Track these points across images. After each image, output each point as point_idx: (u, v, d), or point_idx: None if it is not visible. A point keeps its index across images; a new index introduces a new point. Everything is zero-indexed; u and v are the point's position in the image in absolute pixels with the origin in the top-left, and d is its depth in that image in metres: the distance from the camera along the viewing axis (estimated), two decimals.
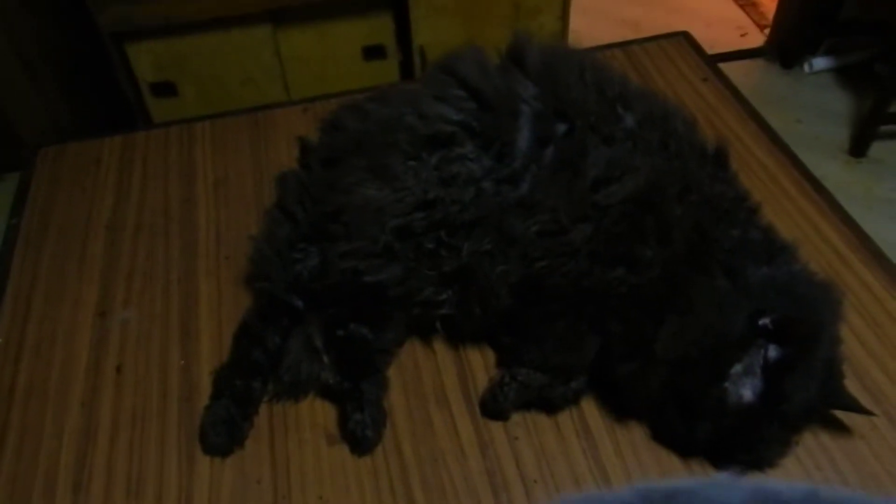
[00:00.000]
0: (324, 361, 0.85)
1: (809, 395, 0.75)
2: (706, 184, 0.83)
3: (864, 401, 0.80)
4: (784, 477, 0.77)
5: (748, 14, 2.69)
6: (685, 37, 1.30)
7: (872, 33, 2.36)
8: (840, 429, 0.80)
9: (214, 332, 0.92)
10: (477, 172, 0.84)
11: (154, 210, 1.08)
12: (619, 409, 0.83)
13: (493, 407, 0.82)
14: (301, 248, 0.90)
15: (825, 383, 0.76)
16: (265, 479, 0.79)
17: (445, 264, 0.84)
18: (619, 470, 0.78)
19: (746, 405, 0.74)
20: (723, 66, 2.41)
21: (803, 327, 0.74)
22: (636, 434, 0.81)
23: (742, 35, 2.61)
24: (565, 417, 0.83)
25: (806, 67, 2.44)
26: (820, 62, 2.43)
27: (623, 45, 1.29)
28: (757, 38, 2.59)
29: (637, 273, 0.78)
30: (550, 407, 0.83)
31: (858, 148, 2.18)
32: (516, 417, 0.83)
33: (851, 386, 0.81)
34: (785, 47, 2.46)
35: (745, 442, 0.76)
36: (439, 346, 0.90)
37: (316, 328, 0.86)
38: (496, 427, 0.82)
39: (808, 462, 0.78)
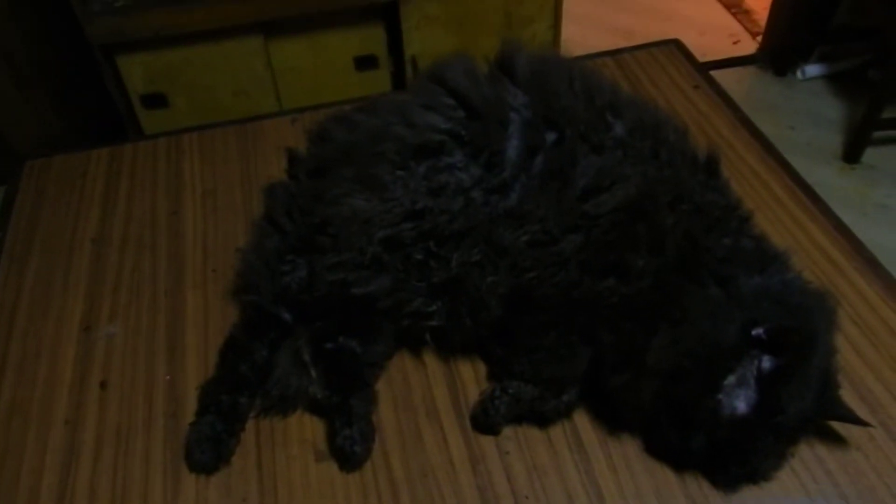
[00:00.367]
0: (312, 375, 0.84)
1: (804, 406, 0.74)
2: (697, 192, 0.82)
3: (861, 412, 0.79)
4: (780, 489, 0.76)
5: (740, 21, 2.69)
6: (676, 44, 1.29)
7: (865, 40, 2.36)
8: (836, 440, 0.79)
9: (201, 346, 0.91)
10: (466, 182, 0.83)
11: (141, 223, 1.07)
12: (612, 421, 0.81)
13: (484, 421, 0.81)
14: (289, 259, 0.89)
15: (820, 394, 0.75)
16: (252, 497, 0.78)
17: (434, 275, 0.83)
18: (612, 484, 0.77)
19: (740, 417, 0.73)
20: (715, 73, 2.42)
21: (797, 337, 0.73)
22: (629, 447, 0.80)
23: (735, 42, 2.62)
24: (557, 431, 0.82)
25: (798, 74, 2.45)
26: (812, 69, 2.44)
27: (614, 53, 1.28)
28: (749, 46, 2.60)
29: (628, 283, 0.77)
30: (542, 420, 0.82)
31: (852, 154, 2.18)
32: (508, 431, 0.82)
33: (847, 396, 0.80)
34: (777, 54, 2.46)
35: (740, 454, 0.75)
36: (429, 358, 0.89)
37: (304, 341, 0.85)
38: (487, 441, 0.81)
39: (803, 474, 0.77)
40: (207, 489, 0.78)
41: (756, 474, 0.76)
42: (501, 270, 0.81)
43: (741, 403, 0.73)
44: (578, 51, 1.52)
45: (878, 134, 2.16)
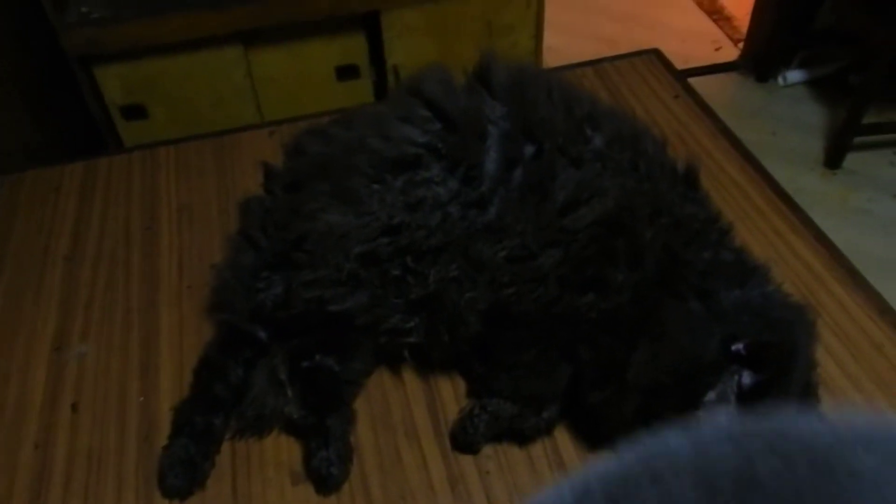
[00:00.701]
0: (288, 394, 0.82)
1: None
2: (677, 205, 0.81)
3: None
4: None
5: (722, 28, 2.71)
6: (656, 54, 1.29)
7: (845, 45, 2.38)
8: None
9: (176, 365, 0.89)
10: (443, 196, 0.82)
11: (115, 238, 1.05)
12: (593, 438, 0.80)
13: (464, 439, 0.80)
14: (264, 276, 0.87)
15: (802, 409, 0.75)
16: None
17: (412, 291, 0.82)
18: None
19: None
20: (698, 80, 2.44)
21: (777, 352, 0.72)
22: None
23: (716, 49, 2.63)
24: (538, 449, 0.81)
25: (780, 80, 2.46)
26: (794, 75, 2.45)
27: (594, 63, 1.28)
28: (731, 52, 2.61)
29: (607, 298, 0.76)
30: (522, 438, 0.80)
31: (833, 159, 2.19)
32: (488, 450, 0.81)
33: (829, 410, 0.79)
34: (759, 60, 2.48)
35: None
36: (408, 376, 0.87)
37: (280, 360, 0.84)
38: (467, 461, 0.80)
39: None
40: None
41: None
42: (480, 286, 0.80)
43: (721, 419, 0.72)
44: (560, 60, 1.51)
45: (858, 139, 2.18)
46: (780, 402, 0.73)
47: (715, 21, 2.74)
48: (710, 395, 0.72)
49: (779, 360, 0.72)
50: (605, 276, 0.77)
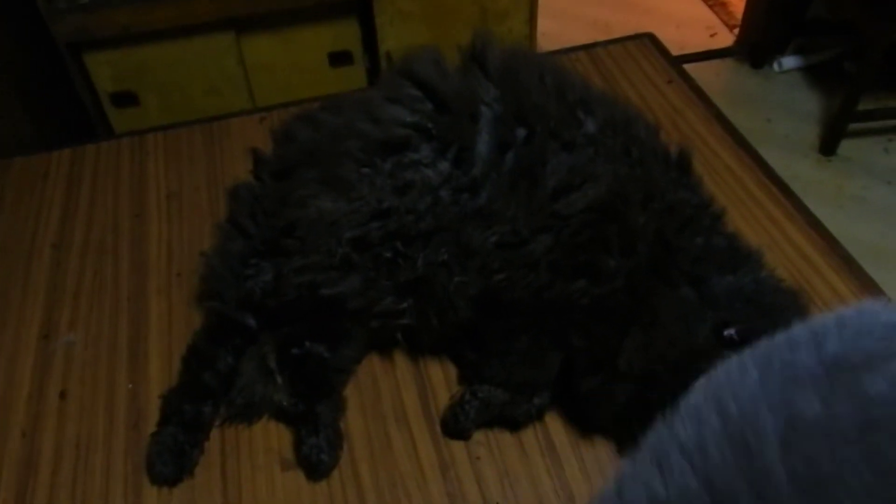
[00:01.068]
0: (278, 382, 0.81)
1: None
2: (669, 190, 0.80)
3: None
4: None
5: (717, 14, 2.69)
6: (650, 38, 1.28)
7: (840, 32, 2.37)
8: None
9: (165, 353, 0.88)
10: (433, 180, 0.81)
11: (103, 226, 1.04)
12: (585, 425, 0.80)
13: (454, 426, 0.79)
14: (253, 263, 0.86)
15: None
16: None
17: (402, 274, 0.81)
18: (584, 489, 0.76)
19: None
20: (693, 66, 2.42)
21: (769, 337, 0.72)
22: (602, 450, 0.79)
23: (712, 35, 2.61)
24: (529, 435, 0.80)
25: (775, 66, 2.45)
26: (789, 61, 2.44)
27: (587, 47, 1.26)
28: (727, 38, 2.59)
29: (599, 284, 0.75)
30: (513, 424, 0.80)
31: (828, 146, 2.19)
32: (479, 436, 0.80)
33: None
34: (754, 47, 2.46)
35: None
36: (399, 362, 0.87)
37: (270, 348, 0.83)
38: (458, 447, 0.79)
39: None
40: (170, 502, 0.76)
41: None
42: (470, 271, 0.79)
43: None
44: (555, 45, 1.50)
45: (853, 126, 2.17)
46: None
47: (710, 7, 2.73)
48: (703, 381, 0.72)
49: None
50: (597, 263, 0.76)
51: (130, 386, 0.86)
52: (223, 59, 1.82)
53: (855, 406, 0.27)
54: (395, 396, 0.84)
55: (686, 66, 1.24)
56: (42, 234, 1.03)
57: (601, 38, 1.31)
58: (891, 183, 2.12)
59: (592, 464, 0.78)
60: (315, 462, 0.76)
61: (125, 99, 1.83)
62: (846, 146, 2.20)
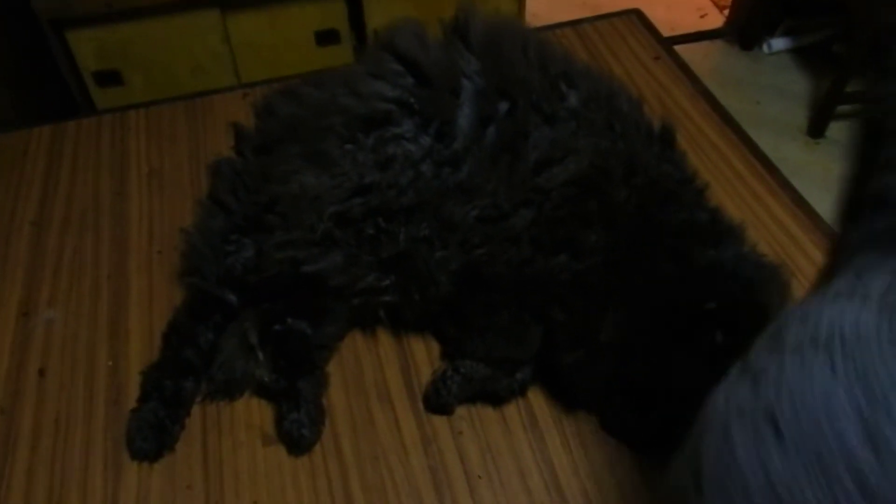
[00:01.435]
0: (259, 358, 0.81)
1: None
2: (652, 165, 0.80)
3: None
4: None
5: None
6: (637, 15, 1.27)
7: (829, 14, 2.36)
8: None
9: (145, 330, 0.87)
10: (415, 154, 0.80)
11: (83, 203, 1.03)
12: (567, 399, 0.80)
13: (437, 401, 0.79)
14: (234, 239, 0.85)
15: None
16: (197, 485, 0.75)
17: (384, 250, 0.80)
18: (565, 462, 0.76)
19: (693, 392, 0.72)
20: (683, 47, 2.41)
21: (749, 311, 0.72)
22: (584, 425, 0.79)
23: (702, 16, 2.60)
24: (511, 410, 0.80)
25: (765, 48, 2.44)
26: (778, 43, 2.43)
27: (574, 23, 1.25)
28: (717, 20, 2.58)
29: (580, 259, 0.75)
30: (496, 399, 0.80)
31: (817, 128, 2.19)
32: (461, 411, 0.80)
33: None
34: (744, 28, 2.45)
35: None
36: (381, 339, 0.86)
37: (251, 324, 0.82)
38: (440, 422, 0.79)
39: None
40: (150, 477, 0.76)
41: None
42: (451, 246, 0.79)
43: (694, 379, 0.72)
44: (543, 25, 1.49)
45: (842, 108, 2.17)
46: None
47: None
48: (683, 355, 0.72)
49: (751, 320, 0.72)
50: (578, 237, 0.76)
51: (110, 363, 0.85)
52: (208, 37, 1.79)
53: None
54: (377, 372, 0.84)
55: (676, 48, 1.24)
56: (21, 212, 1.02)
57: None
58: None
59: (574, 437, 0.78)
60: (296, 437, 0.76)
61: (109, 78, 1.80)
62: (835, 128, 2.20)
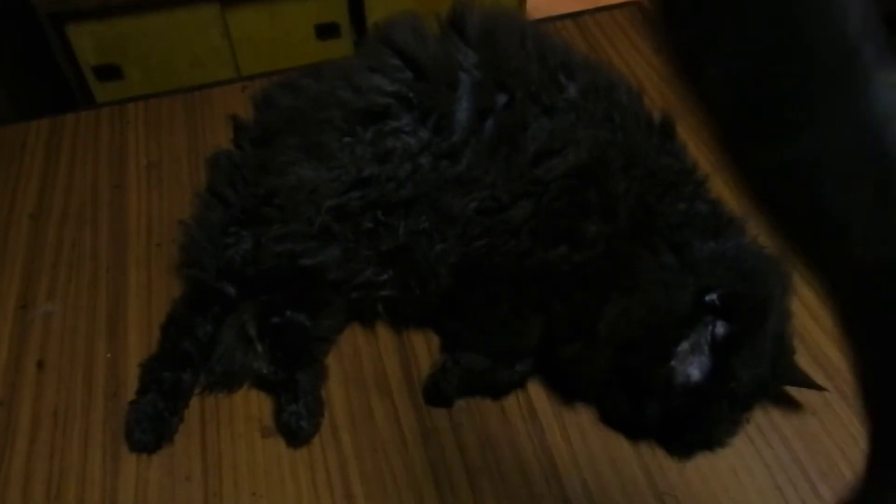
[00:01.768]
0: (258, 351, 0.81)
1: (759, 372, 0.72)
2: (652, 156, 0.79)
3: (817, 377, 0.78)
4: (734, 456, 0.75)
5: None
6: (637, 6, 1.26)
7: None
8: (792, 405, 0.78)
9: (144, 323, 0.87)
10: (413, 147, 0.80)
11: (82, 197, 1.02)
12: (566, 391, 0.80)
13: (436, 393, 0.79)
14: (233, 232, 0.85)
15: (775, 359, 0.74)
16: (195, 476, 0.75)
17: (383, 244, 0.80)
18: (565, 454, 0.76)
19: (694, 384, 0.71)
20: None
21: (751, 303, 0.72)
22: (584, 417, 0.79)
23: None
24: (511, 402, 0.80)
25: None
26: None
27: (574, 15, 1.25)
28: None
29: (580, 251, 0.75)
30: (495, 392, 0.80)
31: None
32: (461, 403, 0.80)
33: (803, 361, 0.79)
34: None
35: (694, 422, 0.73)
36: (381, 331, 0.86)
37: (250, 316, 0.82)
38: (439, 414, 0.79)
39: (758, 440, 0.76)
40: (149, 469, 0.76)
41: (710, 441, 0.75)
42: (450, 239, 0.79)
43: (695, 370, 0.72)
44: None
45: None
46: (754, 352, 0.72)
47: None
48: (684, 347, 0.72)
49: (752, 311, 0.72)
50: (578, 229, 0.75)
51: (109, 356, 0.85)
52: (208, 31, 1.79)
53: None
54: (377, 365, 0.83)
55: None
56: (20, 204, 1.01)
57: None
58: None
59: (574, 429, 0.77)
60: (295, 429, 0.76)
61: (109, 72, 1.80)
62: None
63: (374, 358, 0.84)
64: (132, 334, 0.87)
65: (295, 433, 0.76)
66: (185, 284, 0.88)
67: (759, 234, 0.81)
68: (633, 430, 0.76)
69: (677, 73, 0.37)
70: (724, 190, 0.92)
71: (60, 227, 0.98)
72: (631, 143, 0.79)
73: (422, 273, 0.80)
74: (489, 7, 0.85)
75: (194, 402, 0.80)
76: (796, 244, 0.38)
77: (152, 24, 1.74)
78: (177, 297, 0.86)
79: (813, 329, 0.84)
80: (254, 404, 0.80)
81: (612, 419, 0.77)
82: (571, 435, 0.77)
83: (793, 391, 0.78)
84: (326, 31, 1.86)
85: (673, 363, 0.71)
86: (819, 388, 0.77)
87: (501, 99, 0.80)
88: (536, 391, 0.81)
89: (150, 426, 0.76)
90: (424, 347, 0.85)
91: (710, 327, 0.72)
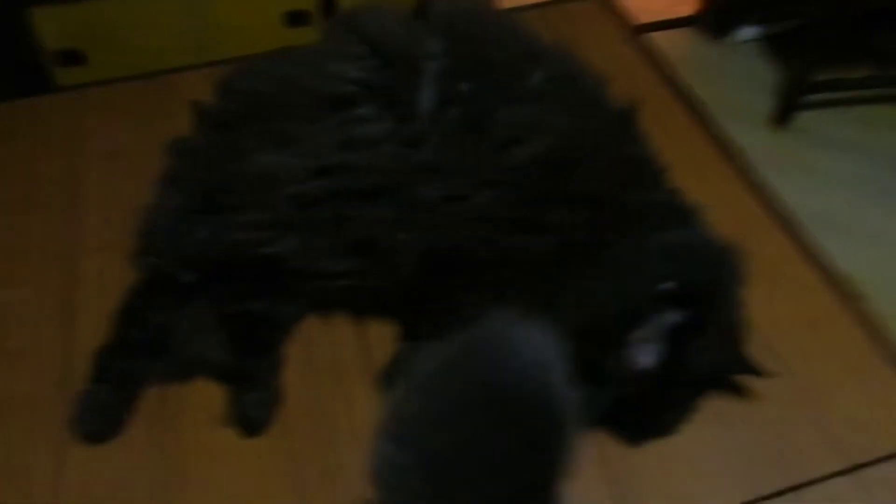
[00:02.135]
0: (215, 340, 0.80)
1: (711, 360, 0.74)
2: (613, 145, 0.80)
3: (767, 364, 0.79)
4: (686, 442, 0.76)
5: None
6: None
7: (798, 3, 2.39)
8: (743, 393, 0.80)
9: (99, 312, 0.85)
10: (378, 135, 0.80)
11: (38, 184, 1.00)
12: None
13: (394, 382, 0.79)
14: (191, 219, 0.84)
15: (727, 347, 0.75)
16: (147, 466, 0.74)
17: (345, 233, 0.80)
18: None
19: (648, 371, 0.72)
20: (655, 34, 2.41)
21: (704, 292, 0.73)
22: None
23: (675, 4, 2.61)
24: None
25: (736, 36, 2.46)
26: (748, 31, 2.46)
27: (540, 6, 1.25)
28: (690, 7, 2.60)
29: (540, 239, 0.75)
30: None
31: (783, 117, 2.22)
32: None
33: (755, 350, 0.80)
34: (716, 16, 2.47)
35: (649, 408, 0.75)
36: (339, 320, 0.86)
37: (207, 305, 0.81)
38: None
39: (710, 426, 0.77)
40: (99, 460, 0.74)
41: (663, 427, 0.76)
42: (413, 227, 0.78)
43: (648, 358, 0.73)
44: None
45: (809, 97, 2.19)
46: (706, 340, 0.73)
47: None
48: (638, 334, 0.72)
49: (705, 300, 0.73)
50: (539, 217, 0.76)
51: (62, 345, 0.83)
52: (174, 17, 1.76)
53: None
54: (334, 354, 0.83)
55: (649, 34, 1.24)
56: None
57: None
58: (842, 154, 2.16)
59: None
60: (250, 418, 0.76)
61: (72, 57, 1.77)
62: (802, 117, 2.23)
63: (332, 347, 0.84)
64: (86, 323, 0.85)
65: (250, 422, 0.76)
66: (142, 273, 0.86)
67: (715, 224, 0.83)
68: (590, 416, 0.77)
69: None
70: (685, 181, 0.93)
71: (12, 215, 0.96)
72: (593, 132, 0.79)
73: (385, 262, 0.79)
74: None
75: (149, 392, 0.79)
76: None
77: (118, 9, 1.71)
78: (132, 285, 0.85)
79: (762, 317, 0.85)
80: (209, 393, 0.79)
81: None
82: None
83: (742, 378, 0.80)
84: (296, 19, 1.85)
85: (627, 350, 0.72)
86: (768, 375, 0.78)
87: (466, 87, 0.80)
88: None
89: (101, 416, 0.75)
90: (383, 336, 0.85)
91: (664, 316, 0.72)
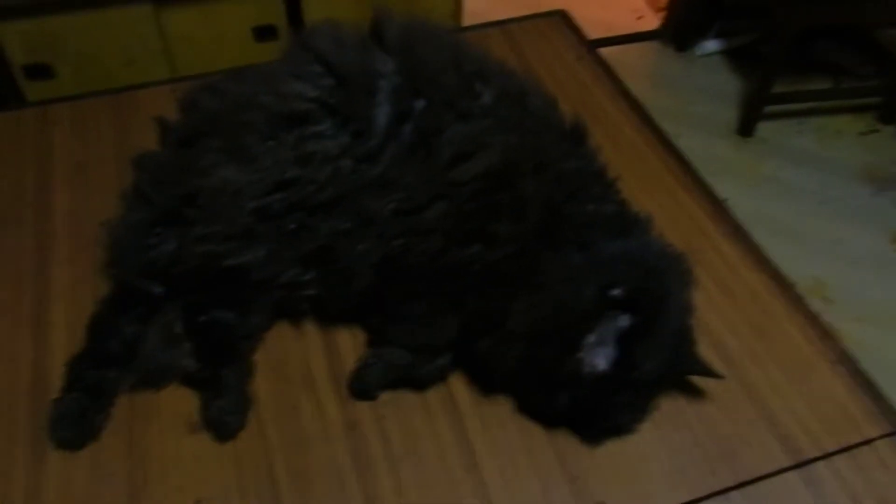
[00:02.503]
0: (184, 349, 0.82)
1: (661, 362, 0.77)
2: (561, 160, 0.84)
3: (718, 366, 0.83)
4: (641, 441, 0.80)
5: None
6: (561, 15, 1.32)
7: (757, 16, 2.46)
8: (696, 393, 0.83)
9: (69, 324, 0.87)
10: (334, 150, 0.83)
11: (6, 198, 1.01)
12: (484, 383, 0.83)
13: (360, 387, 0.82)
14: (157, 232, 0.86)
15: (677, 350, 0.79)
16: (121, 472, 0.76)
17: (306, 245, 0.82)
18: (483, 443, 0.79)
19: (601, 374, 0.76)
20: (619, 48, 2.47)
21: (652, 297, 0.76)
22: (503, 408, 0.82)
23: (638, 18, 2.68)
24: (434, 395, 0.83)
25: (697, 50, 2.53)
26: (710, 45, 2.52)
27: (500, 23, 1.29)
28: (653, 22, 2.67)
29: (491, 250, 0.79)
30: (418, 385, 0.83)
31: (746, 128, 2.28)
32: (385, 397, 0.83)
33: (706, 352, 0.84)
34: (678, 30, 2.54)
35: (602, 409, 0.78)
36: (307, 328, 0.88)
37: (175, 315, 0.83)
38: (363, 407, 0.82)
39: (663, 426, 0.81)
40: (74, 467, 0.76)
41: (618, 427, 0.79)
42: (370, 239, 0.81)
43: (601, 361, 0.76)
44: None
45: (770, 108, 2.26)
46: (655, 343, 0.77)
47: None
48: (590, 339, 0.76)
49: (654, 305, 0.77)
50: (489, 229, 0.79)
51: (34, 356, 0.85)
52: (141, 30, 1.77)
53: None
54: (303, 360, 0.86)
55: (612, 49, 1.29)
56: None
57: None
58: (802, 163, 2.23)
59: (493, 419, 0.81)
60: (221, 424, 0.78)
61: (39, 71, 1.77)
62: (763, 128, 2.30)
63: (300, 353, 0.86)
64: (57, 334, 0.87)
65: (221, 428, 0.78)
66: (111, 285, 0.88)
67: (665, 233, 0.87)
68: (547, 418, 0.81)
69: None
70: (636, 192, 0.98)
71: None
72: (541, 148, 0.83)
73: (344, 272, 0.82)
74: (408, 17, 0.88)
75: (121, 400, 0.81)
76: None
77: (83, 22, 1.72)
78: (101, 297, 0.87)
79: (712, 321, 0.89)
80: (181, 401, 0.82)
81: (528, 408, 0.81)
82: (491, 425, 0.81)
83: (694, 379, 0.84)
84: (264, 33, 1.87)
85: (580, 354, 0.75)
86: (718, 376, 0.82)
87: (419, 104, 0.83)
88: (457, 384, 0.84)
89: (75, 423, 0.77)
90: (350, 343, 0.87)
91: (614, 320, 0.76)
